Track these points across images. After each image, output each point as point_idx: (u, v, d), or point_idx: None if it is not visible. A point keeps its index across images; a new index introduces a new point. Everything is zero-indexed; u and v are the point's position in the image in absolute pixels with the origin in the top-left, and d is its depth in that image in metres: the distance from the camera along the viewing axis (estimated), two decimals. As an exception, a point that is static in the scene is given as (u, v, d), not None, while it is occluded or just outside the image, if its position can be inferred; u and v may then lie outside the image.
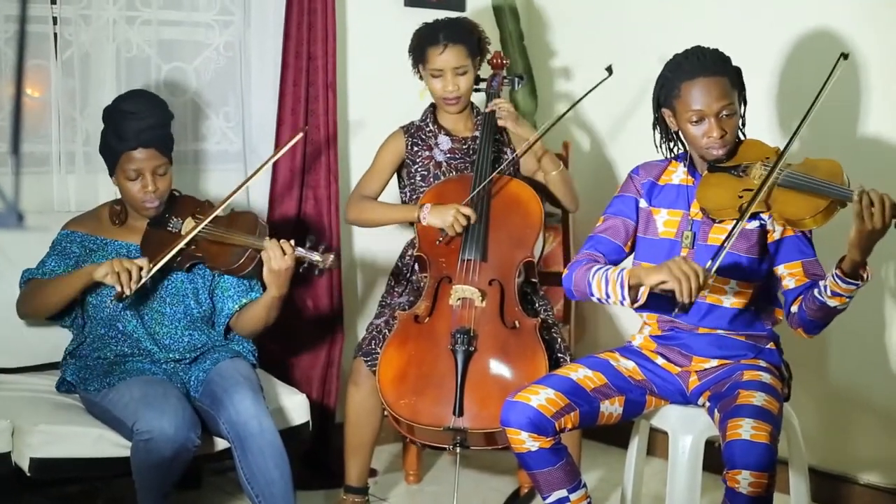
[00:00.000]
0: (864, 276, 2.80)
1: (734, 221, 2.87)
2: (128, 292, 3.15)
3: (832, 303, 2.83)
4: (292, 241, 3.22)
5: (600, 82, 3.51)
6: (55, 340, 3.45)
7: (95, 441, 3.11)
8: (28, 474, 3.05)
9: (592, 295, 2.98)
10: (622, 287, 2.88)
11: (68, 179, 3.70)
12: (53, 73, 3.66)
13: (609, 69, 3.50)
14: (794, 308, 2.95)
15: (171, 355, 3.30)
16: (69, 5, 3.66)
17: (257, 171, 3.48)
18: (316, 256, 3.21)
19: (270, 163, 3.63)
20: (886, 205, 2.68)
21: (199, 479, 3.87)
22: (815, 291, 2.86)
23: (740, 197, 2.90)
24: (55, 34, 3.66)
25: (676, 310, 2.75)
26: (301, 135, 3.57)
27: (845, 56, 2.92)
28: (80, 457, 3.09)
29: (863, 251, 2.74)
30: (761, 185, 2.86)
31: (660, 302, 2.87)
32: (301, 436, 3.44)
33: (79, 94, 3.71)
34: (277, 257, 3.19)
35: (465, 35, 3.66)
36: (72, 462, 3.09)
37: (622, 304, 2.90)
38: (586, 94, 3.55)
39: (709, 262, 2.79)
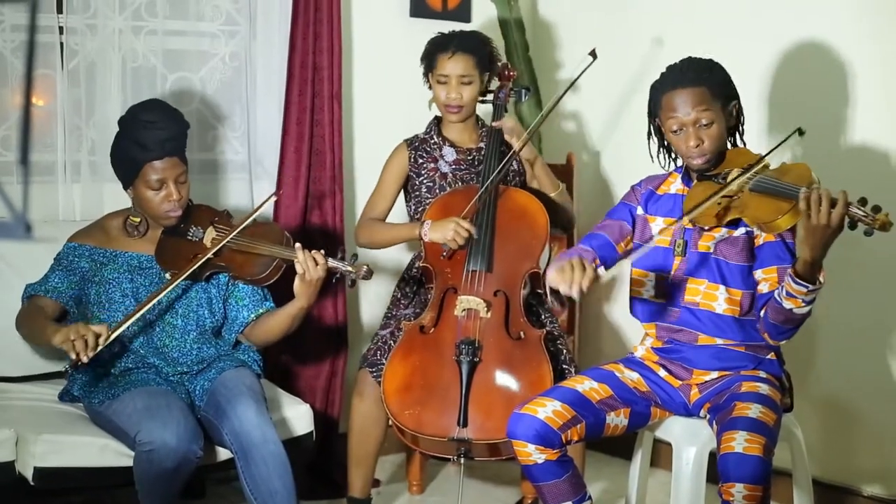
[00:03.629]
0: (819, 279, 2.80)
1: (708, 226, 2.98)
2: (84, 359, 3.05)
3: (787, 304, 2.84)
4: (322, 252, 3.23)
5: (586, 68, 3.49)
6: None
7: (100, 451, 3.10)
8: (32, 483, 3.04)
9: None
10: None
11: (74, 189, 3.71)
12: (59, 82, 3.67)
13: (593, 53, 3.49)
14: (762, 312, 2.97)
15: (178, 368, 3.29)
16: (75, 15, 3.66)
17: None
18: (347, 267, 3.21)
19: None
20: (824, 204, 2.69)
21: (202, 489, 3.86)
22: (776, 293, 2.88)
23: (719, 203, 2.92)
24: (61, 44, 3.66)
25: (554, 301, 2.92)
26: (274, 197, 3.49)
27: (801, 132, 2.97)
28: (84, 466, 3.09)
29: (812, 248, 2.74)
30: (719, 190, 2.91)
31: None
32: (305, 446, 3.43)
33: (84, 104, 3.71)
34: (311, 268, 3.19)
35: (476, 46, 3.66)
36: (76, 471, 3.09)
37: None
38: (573, 83, 3.54)
39: (611, 268, 3.03)
